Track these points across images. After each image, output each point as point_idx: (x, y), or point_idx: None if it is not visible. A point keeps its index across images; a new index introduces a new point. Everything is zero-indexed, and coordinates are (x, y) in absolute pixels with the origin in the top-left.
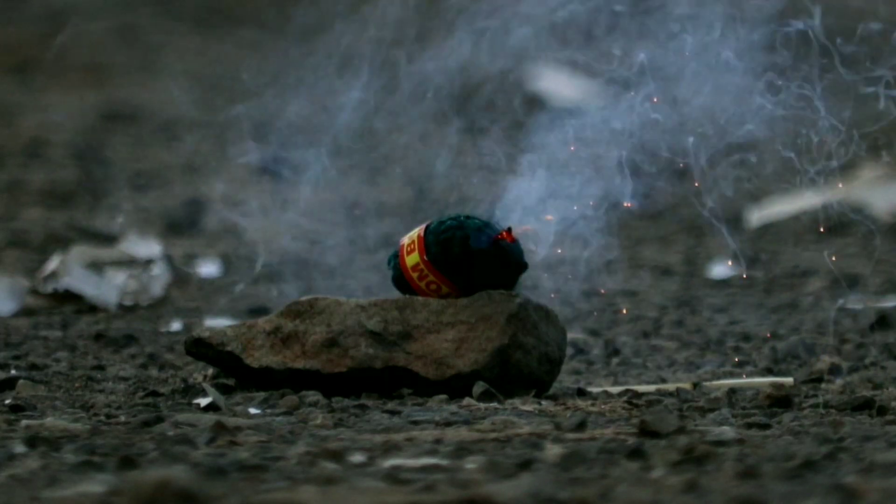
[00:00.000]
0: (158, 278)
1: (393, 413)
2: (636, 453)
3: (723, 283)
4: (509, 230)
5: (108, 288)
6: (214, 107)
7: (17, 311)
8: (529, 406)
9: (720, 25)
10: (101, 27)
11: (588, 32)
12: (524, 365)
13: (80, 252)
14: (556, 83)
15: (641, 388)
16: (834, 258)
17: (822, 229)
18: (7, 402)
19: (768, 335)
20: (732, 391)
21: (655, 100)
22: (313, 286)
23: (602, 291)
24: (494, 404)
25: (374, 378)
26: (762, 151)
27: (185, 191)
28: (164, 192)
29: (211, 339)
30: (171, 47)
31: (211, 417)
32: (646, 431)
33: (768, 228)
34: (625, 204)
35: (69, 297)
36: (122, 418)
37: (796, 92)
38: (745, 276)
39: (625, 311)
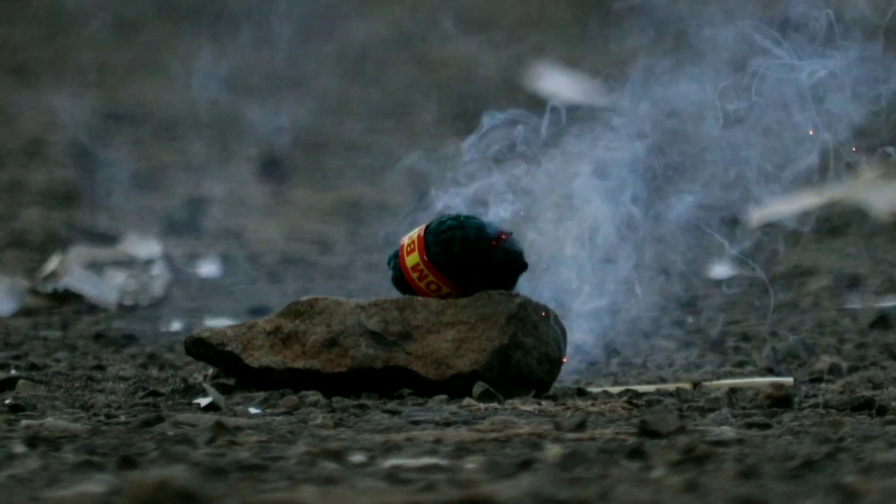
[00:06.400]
0: (158, 278)
1: (393, 413)
2: (636, 453)
3: (723, 283)
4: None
5: (108, 288)
6: (214, 106)
7: (17, 311)
8: (529, 406)
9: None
10: (101, 27)
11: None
12: (524, 365)
13: (80, 252)
14: (557, 83)
15: (641, 388)
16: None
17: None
18: (7, 402)
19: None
20: (732, 391)
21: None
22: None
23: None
24: (494, 404)
25: (374, 378)
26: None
27: (185, 191)
28: (164, 192)
29: (211, 339)
30: (171, 47)
31: (211, 417)
32: (646, 431)
33: (768, 228)
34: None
35: (69, 297)
36: (122, 418)
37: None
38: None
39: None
